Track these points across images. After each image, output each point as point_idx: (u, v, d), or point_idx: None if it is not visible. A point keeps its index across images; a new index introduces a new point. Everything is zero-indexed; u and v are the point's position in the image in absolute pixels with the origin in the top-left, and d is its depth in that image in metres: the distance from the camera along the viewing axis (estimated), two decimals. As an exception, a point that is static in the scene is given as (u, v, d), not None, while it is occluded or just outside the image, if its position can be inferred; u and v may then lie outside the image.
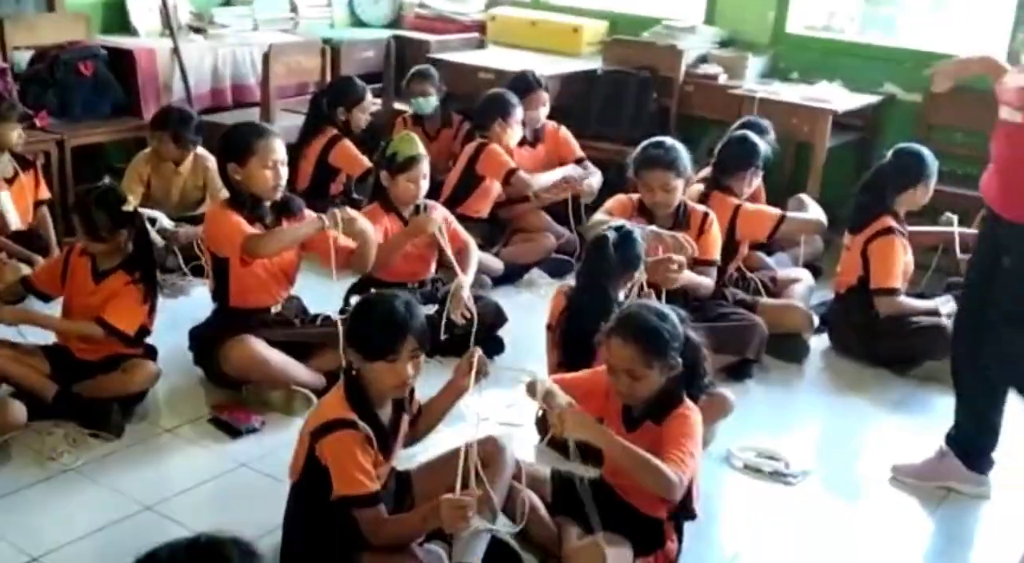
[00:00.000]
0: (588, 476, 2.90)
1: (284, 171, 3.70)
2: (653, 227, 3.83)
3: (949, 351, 4.07)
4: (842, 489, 3.41)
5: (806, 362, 4.28)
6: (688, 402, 2.77)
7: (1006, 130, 3.00)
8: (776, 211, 4.34)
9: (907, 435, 3.66)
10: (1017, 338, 3.09)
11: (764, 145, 4.52)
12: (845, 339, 4.31)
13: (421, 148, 4.10)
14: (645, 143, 4.08)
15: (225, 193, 4.45)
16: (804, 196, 4.80)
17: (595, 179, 5.20)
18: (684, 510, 2.81)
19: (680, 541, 2.85)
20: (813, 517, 3.20)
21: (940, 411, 3.76)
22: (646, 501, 2.78)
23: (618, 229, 3.51)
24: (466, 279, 4.00)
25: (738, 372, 4.00)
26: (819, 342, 4.38)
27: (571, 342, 3.45)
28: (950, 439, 3.39)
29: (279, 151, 3.66)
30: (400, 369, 2.61)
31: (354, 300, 3.87)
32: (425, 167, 4.08)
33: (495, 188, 5.05)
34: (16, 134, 4.41)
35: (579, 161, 5.38)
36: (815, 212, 4.52)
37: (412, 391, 2.82)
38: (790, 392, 4.06)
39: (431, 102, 5.49)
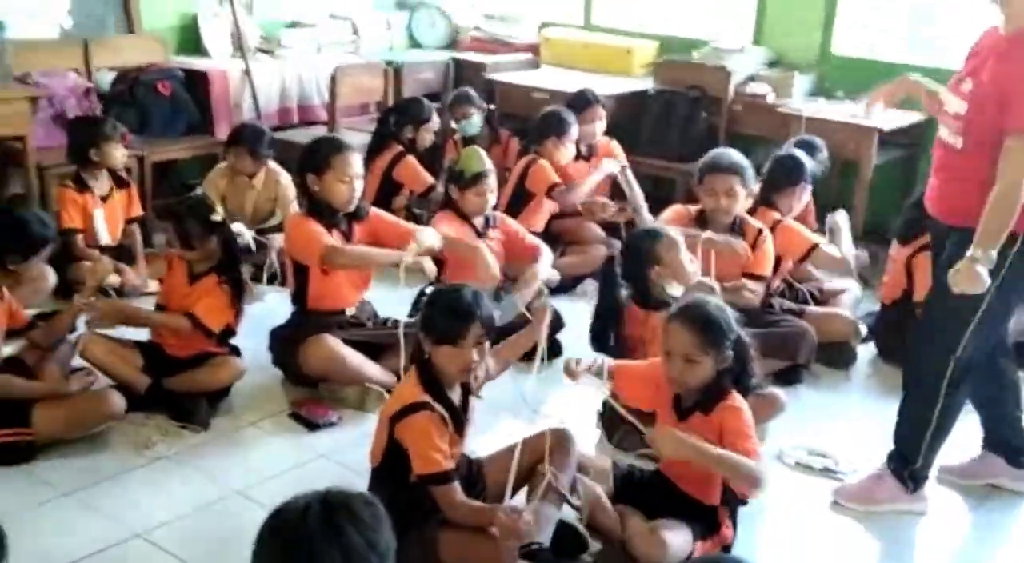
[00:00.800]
0: (647, 469, 3.11)
1: (359, 184, 3.87)
2: (709, 233, 3.99)
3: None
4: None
5: (853, 369, 4.36)
6: (736, 395, 2.90)
7: (943, 147, 3.08)
8: (813, 238, 4.35)
9: (950, 437, 3.78)
10: (943, 328, 3.14)
11: (812, 163, 4.61)
12: (892, 348, 4.32)
13: (488, 163, 4.25)
14: (713, 151, 4.23)
15: (295, 206, 4.73)
16: (840, 218, 4.64)
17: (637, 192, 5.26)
18: (737, 497, 2.96)
19: (735, 527, 2.98)
20: (861, 513, 3.29)
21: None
22: (701, 490, 2.94)
23: (638, 234, 3.76)
24: (540, 268, 4.18)
25: (789, 377, 4.08)
26: (866, 351, 4.44)
27: (595, 332, 3.70)
28: (987, 443, 3.48)
29: (356, 165, 3.84)
30: (466, 353, 2.79)
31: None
32: (492, 181, 4.22)
33: (547, 203, 5.16)
34: (120, 153, 4.60)
35: (622, 169, 5.38)
36: (846, 245, 4.45)
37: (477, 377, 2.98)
38: (839, 396, 4.15)
39: (474, 123, 5.62)
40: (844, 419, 3.90)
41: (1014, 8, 2.89)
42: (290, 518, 1.61)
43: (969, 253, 2.82)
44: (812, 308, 4.45)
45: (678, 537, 2.84)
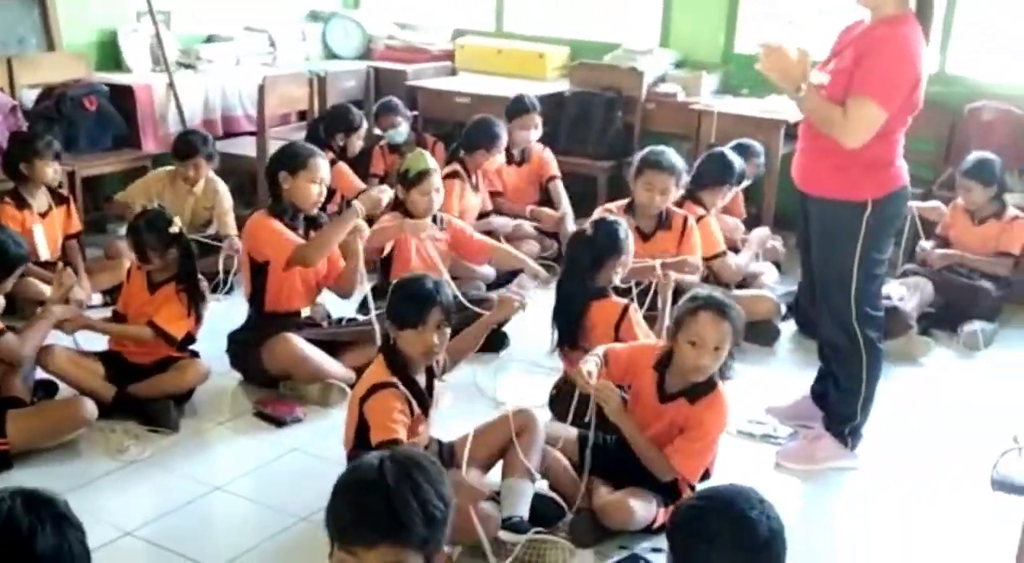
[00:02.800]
0: (612, 438, 3.22)
1: (324, 190, 3.98)
2: (660, 260, 4.04)
3: (905, 330, 4.54)
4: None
5: (777, 344, 4.60)
6: (721, 386, 3.08)
7: (807, 122, 3.33)
8: (723, 246, 4.61)
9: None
10: (832, 294, 3.38)
11: (743, 164, 4.87)
12: (809, 323, 4.45)
13: (432, 163, 4.37)
14: (650, 148, 4.37)
15: (230, 219, 4.81)
16: (762, 234, 5.09)
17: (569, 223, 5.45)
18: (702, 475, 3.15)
19: (694, 492, 3.08)
20: (801, 471, 3.51)
21: (894, 379, 4.15)
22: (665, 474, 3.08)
23: (595, 222, 3.84)
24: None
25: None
26: (787, 327, 4.69)
27: (561, 324, 3.76)
28: (813, 392, 3.70)
29: (324, 171, 3.96)
30: (427, 337, 2.94)
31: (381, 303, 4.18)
32: (436, 180, 4.34)
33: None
34: (52, 170, 4.57)
35: (551, 178, 5.64)
36: (745, 258, 4.84)
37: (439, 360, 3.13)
38: (767, 368, 4.38)
39: (401, 132, 5.72)
40: (775, 389, 4.05)
41: (878, 6, 3.17)
42: (367, 473, 1.73)
43: (803, 91, 3.11)
44: (737, 291, 4.62)
45: (643, 504, 3.01)
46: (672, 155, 4.33)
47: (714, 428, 3.07)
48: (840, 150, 3.16)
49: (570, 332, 3.72)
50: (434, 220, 4.41)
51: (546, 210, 5.52)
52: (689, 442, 3.03)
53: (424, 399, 3.05)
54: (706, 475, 3.19)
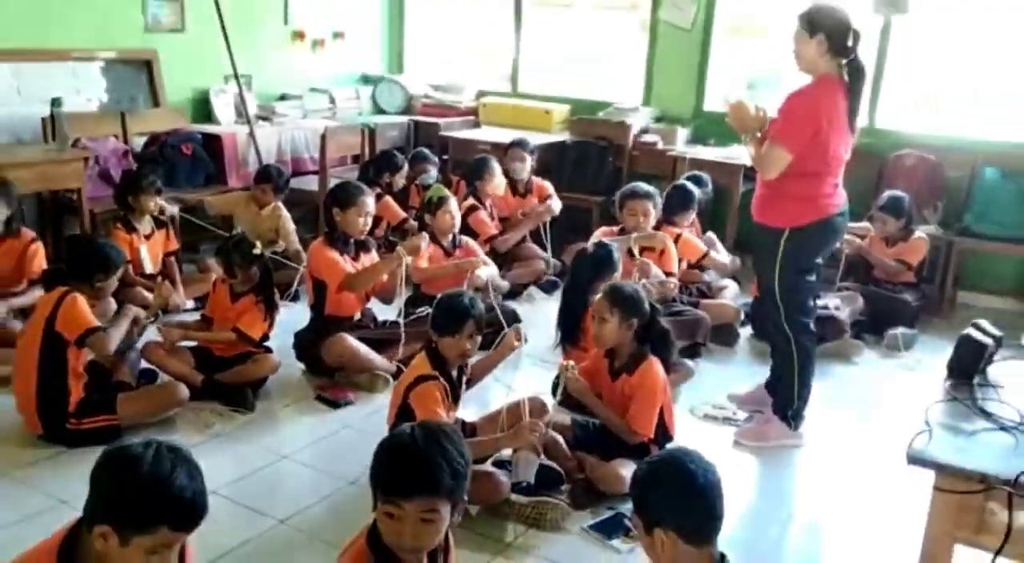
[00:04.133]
0: (594, 422, 3.24)
1: (370, 221, 4.02)
2: (635, 234, 4.18)
3: (840, 334, 4.54)
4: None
5: (737, 345, 4.60)
6: (654, 361, 3.11)
7: None
8: (703, 247, 4.71)
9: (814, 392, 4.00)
10: (766, 302, 3.42)
11: (700, 193, 4.92)
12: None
13: (448, 192, 4.54)
14: (630, 184, 4.41)
15: (294, 237, 4.88)
16: (712, 235, 5.16)
17: (555, 205, 5.49)
18: (664, 437, 3.18)
19: None
20: (755, 448, 3.52)
21: (832, 374, 4.20)
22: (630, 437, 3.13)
23: (597, 245, 3.90)
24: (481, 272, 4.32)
25: (691, 352, 4.29)
26: (745, 331, 4.69)
27: (566, 328, 3.77)
28: (768, 384, 3.68)
29: (370, 206, 4.00)
30: (462, 344, 2.97)
31: (414, 309, 4.23)
32: (453, 205, 4.47)
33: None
34: (154, 203, 4.61)
35: (548, 196, 5.61)
36: (724, 254, 4.92)
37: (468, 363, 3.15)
38: (729, 365, 4.38)
39: (431, 176, 5.73)
40: (733, 381, 4.07)
41: (805, 68, 3.20)
42: (403, 439, 1.77)
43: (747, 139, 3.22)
44: (705, 300, 4.67)
45: (628, 469, 2.98)
46: (645, 185, 4.39)
47: (652, 388, 3.09)
48: (772, 184, 3.20)
49: (573, 333, 3.73)
50: (453, 242, 4.51)
51: (538, 206, 5.51)
52: (637, 404, 3.09)
53: (456, 390, 3.07)
54: (669, 438, 3.21)
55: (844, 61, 3.19)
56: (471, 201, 5.28)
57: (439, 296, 3.12)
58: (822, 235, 3.33)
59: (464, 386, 3.16)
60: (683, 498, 1.80)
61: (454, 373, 3.07)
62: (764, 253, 3.34)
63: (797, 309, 3.38)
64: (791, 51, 3.21)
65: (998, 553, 1.77)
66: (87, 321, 3.25)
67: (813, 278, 3.46)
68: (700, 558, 1.82)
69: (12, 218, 4.06)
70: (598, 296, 3.15)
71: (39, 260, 4.13)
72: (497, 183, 5.39)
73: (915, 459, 1.86)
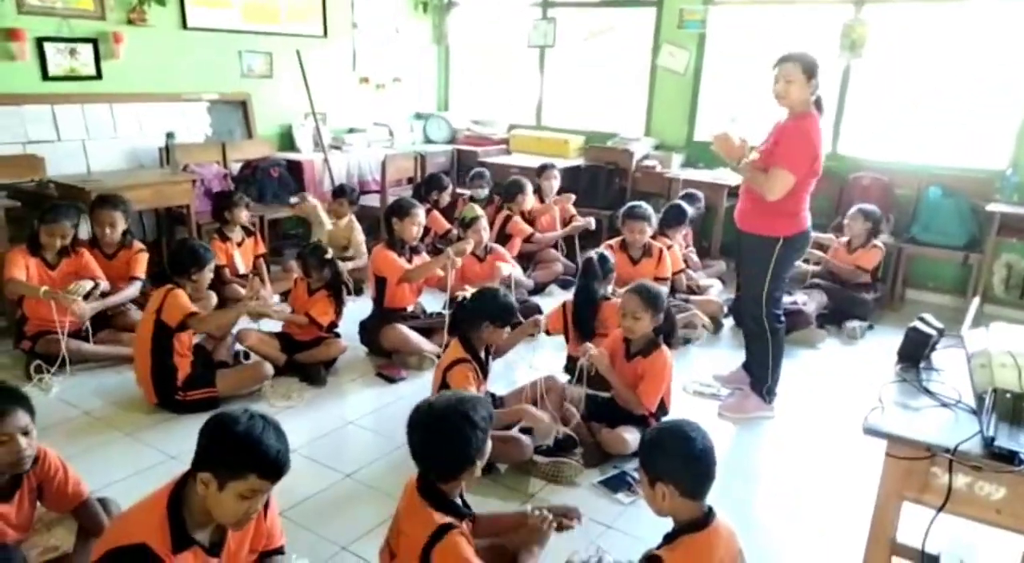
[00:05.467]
0: (603, 396, 3.21)
1: (421, 229, 4.00)
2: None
3: (806, 325, 4.45)
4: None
5: (721, 332, 4.54)
6: (665, 347, 3.06)
7: (746, 183, 3.24)
8: (680, 266, 4.58)
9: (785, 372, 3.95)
10: (750, 298, 3.33)
11: (692, 209, 4.84)
12: (742, 319, 4.49)
13: (480, 212, 4.52)
14: (631, 204, 4.31)
15: (363, 247, 4.84)
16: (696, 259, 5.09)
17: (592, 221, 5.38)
18: (662, 410, 3.14)
19: None
20: (735, 419, 3.47)
21: (799, 358, 4.11)
22: (637, 408, 3.09)
23: (600, 255, 3.83)
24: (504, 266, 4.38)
25: (684, 339, 4.27)
26: (728, 322, 4.62)
27: (579, 321, 3.69)
28: (745, 365, 3.58)
29: (422, 218, 3.99)
30: (498, 333, 2.96)
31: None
32: (483, 222, 4.46)
33: (518, 241, 5.25)
34: (245, 214, 4.63)
35: (572, 217, 5.54)
36: (698, 274, 4.81)
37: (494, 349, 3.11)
38: (714, 348, 4.31)
39: (483, 192, 5.71)
40: (719, 362, 4.04)
41: (790, 103, 3.12)
42: (428, 406, 1.77)
43: (742, 164, 3.11)
44: (694, 297, 4.62)
45: (632, 436, 3.00)
46: (644, 207, 4.28)
47: (662, 371, 3.04)
48: (763, 201, 3.13)
49: (589, 324, 3.65)
50: (486, 250, 4.50)
51: (580, 220, 5.40)
52: (646, 383, 3.02)
53: (485, 370, 3.05)
54: (665, 411, 3.16)
55: (813, 99, 3.14)
56: (505, 212, 5.24)
57: (475, 290, 3.09)
58: (805, 244, 3.31)
59: (491, 361, 3.13)
60: (683, 459, 1.79)
61: (482, 355, 3.04)
62: (758, 259, 3.26)
63: (774, 304, 3.33)
64: (777, 88, 3.09)
65: (940, 510, 1.72)
66: (186, 308, 3.27)
67: (787, 278, 3.42)
68: (693, 509, 1.81)
69: (128, 231, 4.08)
70: (628, 297, 3.03)
71: (142, 264, 4.08)
72: (529, 200, 5.36)
73: (870, 430, 1.81)
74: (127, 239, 4.09)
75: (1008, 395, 1.79)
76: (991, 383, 1.81)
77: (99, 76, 4.96)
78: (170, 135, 5.05)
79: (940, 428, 1.76)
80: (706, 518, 1.80)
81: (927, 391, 1.95)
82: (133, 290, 3.99)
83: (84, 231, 4.01)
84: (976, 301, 3.08)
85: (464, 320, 2.99)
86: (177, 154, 4.97)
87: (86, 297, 3.65)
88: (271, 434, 1.67)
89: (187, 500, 1.69)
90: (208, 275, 3.50)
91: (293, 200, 5.18)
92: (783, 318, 3.41)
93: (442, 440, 1.85)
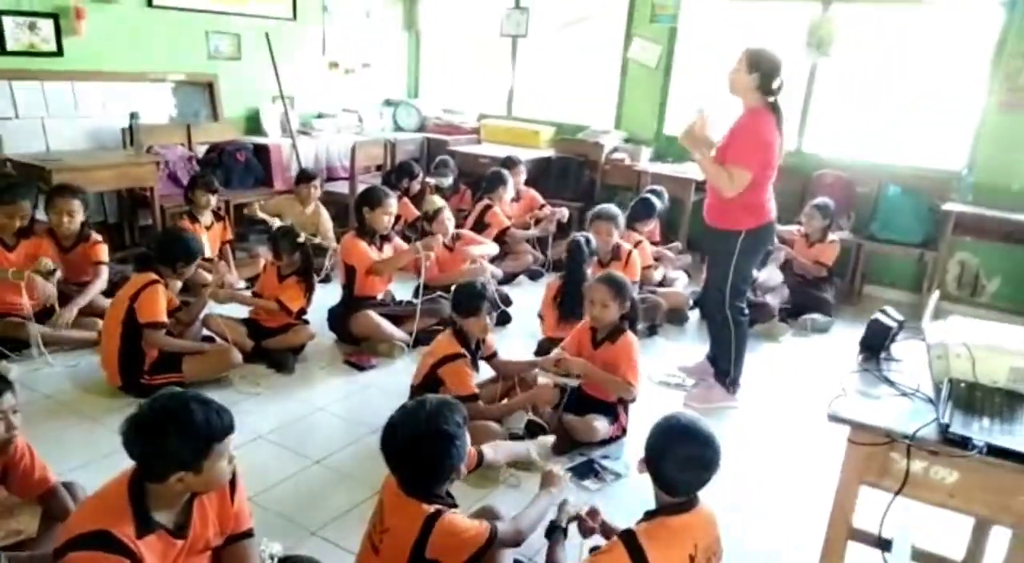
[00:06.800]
0: (573, 385, 3.25)
1: (392, 218, 3.97)
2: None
3: (769, 318, 4.54)
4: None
5: (687, 325, 4.61)
6: (630, 333, 3.09)
7: None
8: (651, 262, 4.61)
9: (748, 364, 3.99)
10: (714, 290, 3.39)
11: (659, 203, 4.91)
12: (707, 312, 4.53)
13: (442, 203, 4.56)
14: (599, 206, 4.27)
15: (331, 233, 4.78)
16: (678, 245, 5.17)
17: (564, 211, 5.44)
18: (627, 399, 3.14)
19: (627, 417, 3.18)
20: (700, 408, 3.48)
21: (762, 350, 4.20)
22: (603, 396, 3.14)
23: (584, 236, 3.87)
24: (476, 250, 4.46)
25: (650, 331, 4.34)
26: (693, 314, 4.67)
27: (566, 302, 3.74)
28: (710, 356, 3.63)
29: (393, 206, 3.96)
30: (483, 322, 2.98)
31: (427, 293, 4.18)
32: (447, 214, 4.48)
33: (495, 232, 5.20)
34: (209, 199, 4.53)
35: (541, 206, 5.59)
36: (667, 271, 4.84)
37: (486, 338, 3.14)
38: (679, 341, 4.38)
39: (447, 180, 5.71)
40: (684, 354, 4.10)
41: (737, 93, 3.19)
42: (409, 408, 1.78)
43: (699, 157, 3.15)
44: (661, 289, 4.67)
45: (600, 423, 3.05)
46: (612, 208, 4.23)
47: (631, 353, 3.05)
48: (724, 196, 3.18)
49: (576, 305, 3.57)
50: (453, 238, 4.51)
51: (552, 211, 5.44)
52: (626, 364, 3.01)
53: (476, 360, 3.07)
54: (633, 400, 3.15)
55: (770, 99, 3.19)
56: (486, 202, 5.22)
57: (456, 286, 3.09)
58: (767, 236, 3.37)
59: (480, 357, 3.14)
60: (680, 465, 1.83)
61: (472, 347, 3.06)
62: (722, 252, 3.32)
63: (738, 297, 3.39)
64: (727, 75, 3.16)
65: (898, 493, 1.79)
66: (156, 315, 3.21)
67: (753, 271, 3.46)
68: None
69: (85, 223, 3.92)
70: (596, 286, 3.05)
71: (102, 253, 3.97)
72: (509, 193, 5.36)
73: (833, 417, 1.88)
74: (85, 231, 3.94)
75: (963, 384, 1.87)
76: (947, 373, 1.89)
77: (60, 53, 4.82)
78: (134, 115, 4.94)
79: (899, 415, 1.83)
80: (690, 502, 1.85)
81: (887, 380, 2.02)
82: (101, 282, 3.88)
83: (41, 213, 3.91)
84: (936, 294, 3.20)
85: (463, 307, 2.98)
86: (141, 135, 4.87)
87: (47, 277, 3.56)
88: (200, 411, 1.68)
89: (148, 484, 1.68)
90: (193, 269, 3.45)
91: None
92: (747, 311, 3.49)
93: (425, 464, 1.86)
